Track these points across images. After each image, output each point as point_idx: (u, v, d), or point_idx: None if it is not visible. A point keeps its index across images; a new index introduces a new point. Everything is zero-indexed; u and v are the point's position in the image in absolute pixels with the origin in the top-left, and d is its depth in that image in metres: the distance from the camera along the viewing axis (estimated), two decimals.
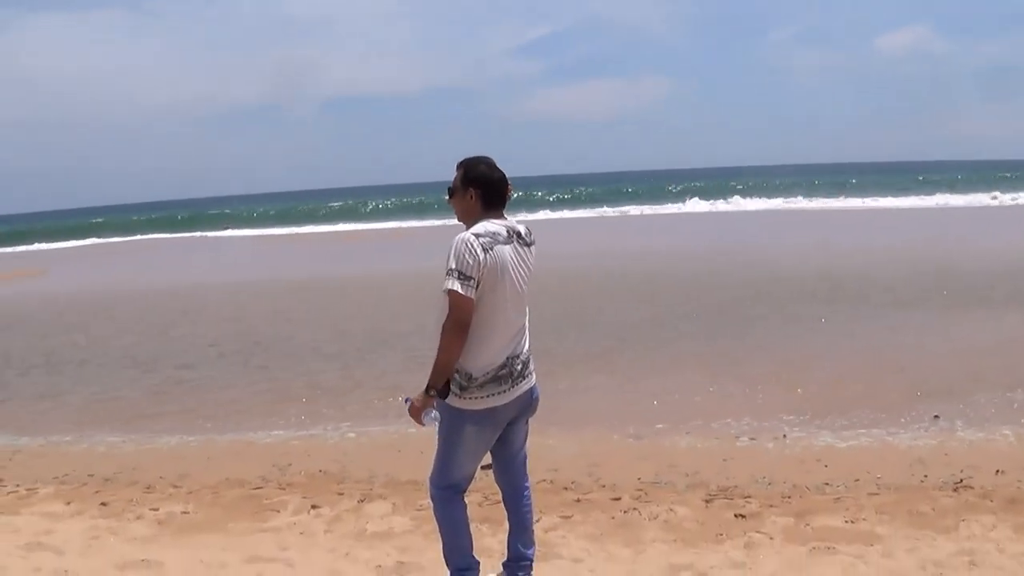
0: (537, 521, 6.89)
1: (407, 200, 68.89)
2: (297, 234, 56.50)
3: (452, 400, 5.08)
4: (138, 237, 61.75)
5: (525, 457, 5.61)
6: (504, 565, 5.66)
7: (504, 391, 5.12)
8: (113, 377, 13.98)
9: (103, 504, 8.03)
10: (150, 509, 7.80)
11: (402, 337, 15.43)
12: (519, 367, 5.16)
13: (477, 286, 4.91)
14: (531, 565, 5.62)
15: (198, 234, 61.46)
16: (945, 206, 50.10)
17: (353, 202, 71.71)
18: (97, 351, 16.26)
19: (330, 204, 73.65)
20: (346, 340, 15.82)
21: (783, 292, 18.23)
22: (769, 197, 61.63)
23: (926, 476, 7.95)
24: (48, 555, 6.75)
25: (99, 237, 64.08)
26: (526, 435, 5.55)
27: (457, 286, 4.86)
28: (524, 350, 5.21)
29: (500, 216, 5.15)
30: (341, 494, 7.97)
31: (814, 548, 6.35)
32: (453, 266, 4.86)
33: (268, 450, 9.65)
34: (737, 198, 61.48)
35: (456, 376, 5.03)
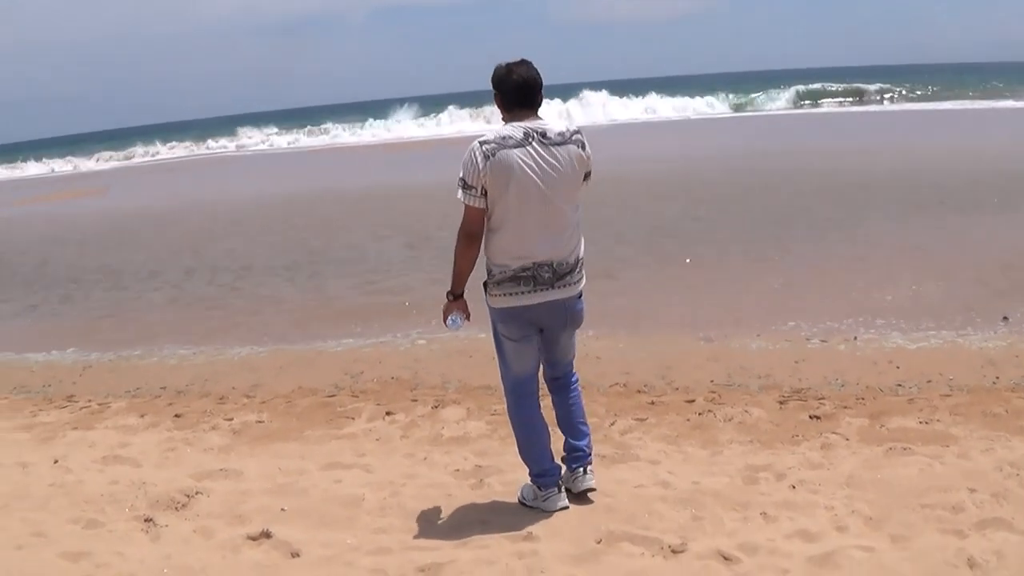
0: (612, 424, 7.10)
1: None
2: (359, 144, 55.26)
3: (486, 299, 5.39)
4: (202, 151, 60.62)
5: (569, 357, 5.77)
6: (563, 461, 5.84)
7: (523, 292, 5.25)
8: (179, 291, 14.24)
9: (177, 416, 8.24)
10: (224, 419, 8.01)
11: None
12: (546, 274, 5.25)
13: (483, 193, 5.11)
14: (586, 456, 5.81)
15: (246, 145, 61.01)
16: None
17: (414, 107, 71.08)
18: (162, 266, 16.43)
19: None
20: (414, 247, 15.92)
21: (858, 195, 17.95)
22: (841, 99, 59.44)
23: (998, 378, 8.00)
24: (124, 468, 6.92)
25: (163, 145, 63.31)
26: (569, 344, 5.71)
27: (460, 195, 5.15)
28: (558, 258, 5.27)
29: (530, 117, 5.25)
30: (415, 400, 8.17)
31: (890, 449, 6.44)
32: (460, 175, 5.12)
33: (339, 358, 9.81)
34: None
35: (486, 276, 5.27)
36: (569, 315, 5.49)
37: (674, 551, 5.05)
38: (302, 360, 9.87)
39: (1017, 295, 10.34)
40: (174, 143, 64.15)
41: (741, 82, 65.28)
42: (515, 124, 5.21)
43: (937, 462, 6.18)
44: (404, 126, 60.90)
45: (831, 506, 5.54)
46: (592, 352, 8.91)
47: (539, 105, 5.34)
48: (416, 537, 5.47)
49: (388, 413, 7.83)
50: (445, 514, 5.74)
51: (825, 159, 24.75)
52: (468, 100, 66.74)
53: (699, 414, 7.37)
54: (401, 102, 69.72)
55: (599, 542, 5.20)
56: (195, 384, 9.33)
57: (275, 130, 66.08)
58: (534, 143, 5.14)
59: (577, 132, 5.30)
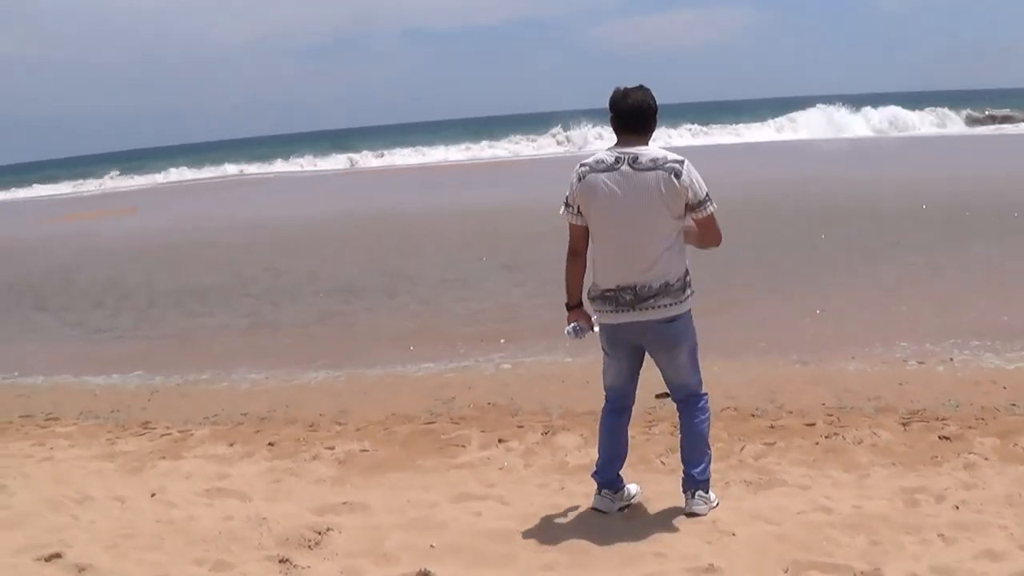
0: (742, 449, 7.11)
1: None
2: (391, 166, 55.52)
3: None
4: (226, 172, 60.26)
5: (682, 383, 5.83)
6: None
7: (609, 311, 5.53)
8: (236, 313, 14.03)
9: (270, 444, 8.04)
10: (325, 448, 7.82)
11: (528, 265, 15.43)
12: (628, 297, 5.46)
13: (579, 211, 5.45)
14: (695, 482, 5.86)
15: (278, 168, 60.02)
16: None
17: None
18: (213, 287, 16.18)
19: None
20: (471, 268, 15.88)
21: (934, 219, 17.87)
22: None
23: None
24: (233, 502, 6.62)
25: (191, 169, 62.26)
26: (672, 367, 5.78)
27: (562, 211, 5.57)
28: (641, 282, 5.43)
29: (637, 141, 5.45)
30: (521, 427, 8.05)
31: None
32: (566, 193, 5.49)
33: (424, 383, 9.68)
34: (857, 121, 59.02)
35: None
36: (657, 337, 5.61)
37: None
38: (384, 385, 9.73)
39: None
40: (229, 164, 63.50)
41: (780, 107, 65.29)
42: (614, 148, 5.47)
43: None
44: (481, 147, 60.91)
45: (1004, 525, 5.46)
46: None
47: (648, 130, 5.54)
48: (590, 571, 5.29)
49: (501, 440, 7.68)
50: (609, 547, 5.55)
51: (911, 184, 24.50)
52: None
53: (826, 437, 7.29)
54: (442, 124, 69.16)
55: (786, 571, 5.08)
56: (277, 410, 9.13)
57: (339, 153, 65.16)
58: (623, 167, 5.34)
59: (676, 162, 5.38)
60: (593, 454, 6.90)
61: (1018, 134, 47.80)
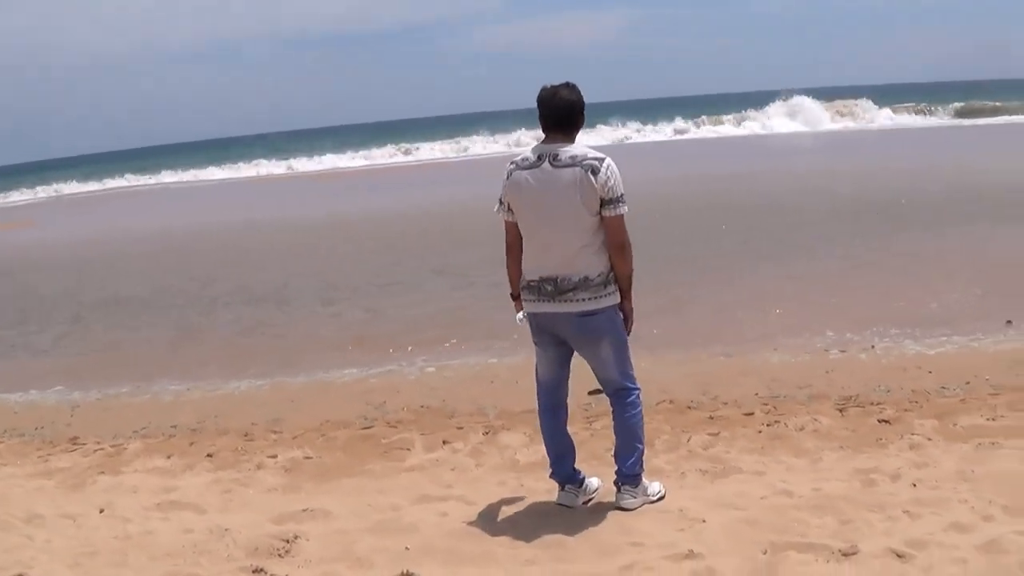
0: (689, 440, 7.21)
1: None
2: (284, 174, 55.44)
3: None
4: (110, 184, 59.13)
5: (607, 376, 5.92)
6: None
7: (532, 300, 5.70)
8: (146, 324, 13.79)
9: (209, 456, 7.92)
10: (267, 457, 7.73)
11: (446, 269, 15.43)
12: (549, 288, 5.60)
13: (509, 208, 5.64)
14: (621, 476, 5.99)
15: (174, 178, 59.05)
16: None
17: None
18: (119, 299, 15.94)
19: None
20: (375, 275, 15.83)
21: (847, 211, 18.61)
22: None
23: None
24: (189, 514, 6.52)
25: (78, 183, 60.51)
26: (596, 361, 5.86)
27: (496, 208, 5.76)
28: (560, 275, 5.57)
29: (563, 139, 5.56)
30: (461, 428, 8.08)
31: (979, 444, 6.61)
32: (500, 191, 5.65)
33: (350, 389, 9.64)
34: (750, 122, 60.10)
35: None
36: (577, 331, 5.71)
37: (845, 554, 5.05)
38: (310, 392, 9.67)
39: (1014, 298, 10.81)
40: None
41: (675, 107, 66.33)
42: (540, 145, 5.60)
43: None
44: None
45: (964, 499, 5.66)
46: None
47: (575, 129, 5.65)
48: (572, 564, 5.33)
49: (445, 442, 7.69)
50: (584, 540, 5.61)
51: (814, 178, 25.59)
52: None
53: (768, 425, 7.46)
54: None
55: (765, 553, 5.18)
56: (207, 421, 9.02)
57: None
58: (545, 165, 5.48)
59: (595, 159, 5.48)
60: (541, 451, 6.97)
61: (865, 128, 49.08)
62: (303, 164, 58.75)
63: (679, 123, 60.70)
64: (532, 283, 5.67)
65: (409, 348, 10.86)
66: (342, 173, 49.99)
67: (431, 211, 24.48)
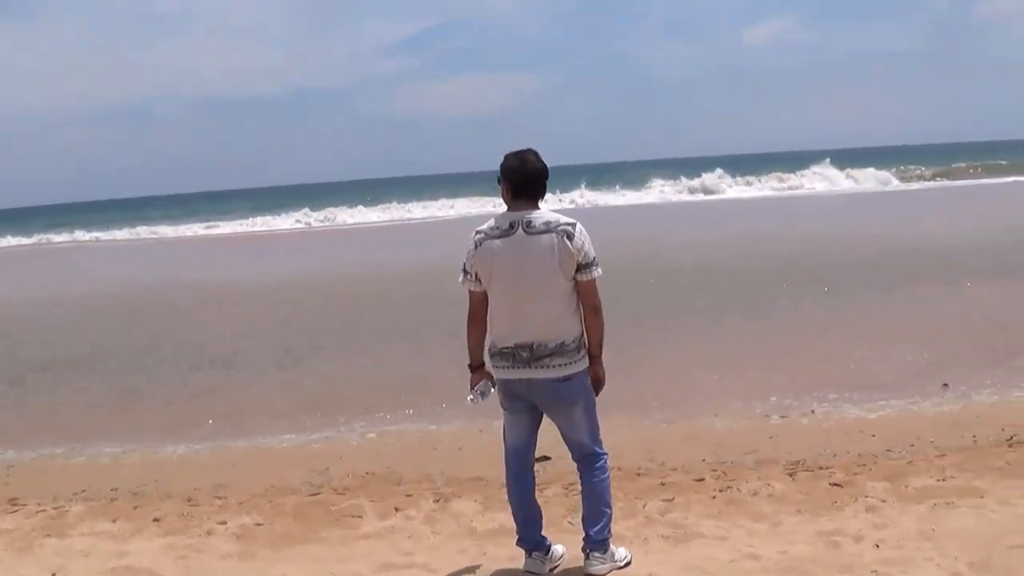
0: (644, 506, 7.28)
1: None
2: (197, 235, 54.37)
3: None
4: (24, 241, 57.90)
5: (578, 441, 5.97)
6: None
7: (506, 367, 5.68)
8: (82, 385, 13.39)
9: (156, 520, 7.73)
10: (216, 523, 7.57)
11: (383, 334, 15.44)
12: (524, 355, 5.62)
13: (476, 277, 5.65)
14: (592, 542, 5.92)
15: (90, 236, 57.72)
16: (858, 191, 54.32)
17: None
18: (54, 358, 15.37)
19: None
20: (318, 338, 15.64)
21: (777, 277, 18.79)
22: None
23: (975, 437, 8.49)
24: None
25: None
26: (569, 425, 5.93)
27: (460, 279, 5.74)
28: (536, 341, 5.61)
29: (530, 206, 5.64)
30: (410, 495, 7.99)
31: (935, 504, 6.76)
32: (463, 261, 5.69)
33: (291, 455, 9.53)
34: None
35: None
36: (553, 395, 5.74)
37: None
38: (251, 457, 9.54)
39: (950, 362, 11.09)
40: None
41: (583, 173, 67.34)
42: (508, 213, 5.64)
43: (987, 511, 6.56)
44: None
45: (929, 558, 5.77)
46: (559, 439, 8.90)
47: (542, 196, 5.73)
48: None
49: (397, 509, 7.61)
50: None
51: (755, 242, 25.76)
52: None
53: (720, 491, 7.49)
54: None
55: None
56: (148, 485, 8.81)
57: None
58: (518, 232, 5.53)
59: (568, 224, 5.57)
60: (497, 518, 7.02)
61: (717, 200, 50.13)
62: (232, 226, 58.30)
63: (586, 190, 61.40)
64: (506, 350, 5.66)
65: (349, 413, 10.80)
66: (271, 235, 49.69)
67: (355, 275, 24.39)
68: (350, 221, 56.21)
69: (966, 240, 22.70)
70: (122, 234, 57.60)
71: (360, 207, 61.46)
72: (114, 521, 7.79)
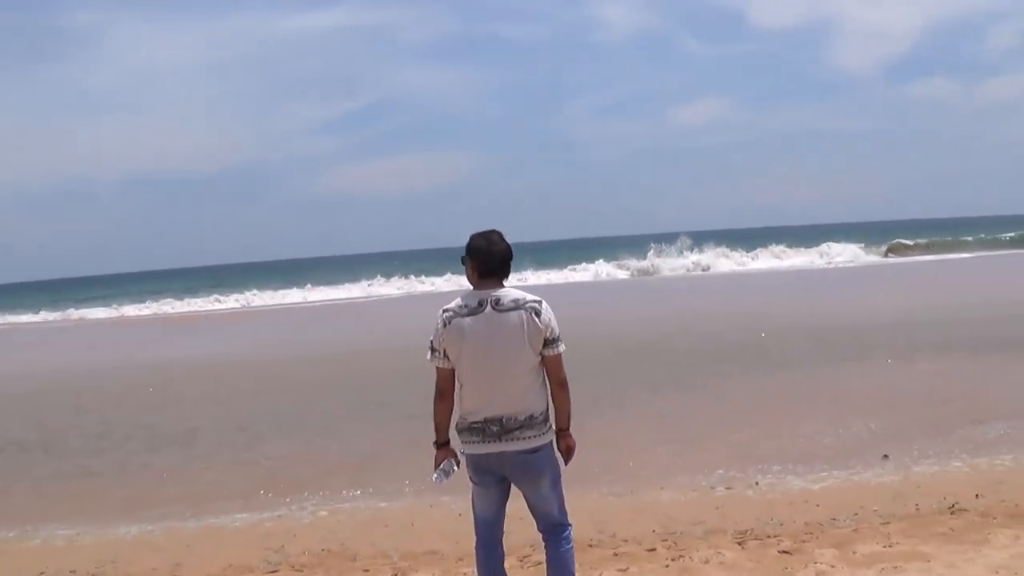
0: None
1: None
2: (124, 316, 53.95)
3: None
4: None
5: (546, 511, 6.13)
6: None
7: (476, 442, 5.79)
8: (31, 469, 13.23)
9: None
10: None
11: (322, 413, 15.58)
12: (494, 428, 5.76)
13: (445, 355, 5.78)
14: None
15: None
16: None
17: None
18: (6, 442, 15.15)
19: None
20: (263, 418, 15.77)
21: (711, 353, 19.35)
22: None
23: (917, 506, 8.76)
24: None
25: None
26: (537, 496, 6.07)
27: (428, 356, 5.84)
28: (506, 414, 5.77)
29: (496, 284, 5.84)
30: (367, 571, 8.11)
31: (883, 569, 7.02)
32: (430, 339, 5.83)
33: (245, 534, 9.53)
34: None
35: None
36: (522, 467, 5.89)
37: None
38: (204, 537, 9.52)
39: (888, 433, 11.48)
40: None
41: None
42: (476, 292, 5.82)
43: (934, 574, 6.85)
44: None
45: None
46: (513, 513, 9.03)
47: (505, 275, 5.93)
48: None
49: None
50: None
51: (701, 319, 26.43)
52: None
53: (673, 559, 7.69)
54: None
55: None
56: (105, 567, 8.77)
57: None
58: (487, 310, 5.71)
59: (535, 301, 5.80)
60: None
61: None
62: (165, 307, 57.57)
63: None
64: (476, 425, 5.80)
65: (300, 493, 10.86)
66: (209, 315, 49.47)
67: (303, 355, 24.46)
68: (288, 300, 56.08)
69: (908, 316, 23.58)
70: (53, 316, 57.19)
71: (309, 286, 61.16)
72: None
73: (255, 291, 60.83)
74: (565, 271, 62.93)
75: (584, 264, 64.44)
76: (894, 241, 68.96)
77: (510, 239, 5.95)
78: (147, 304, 59.36)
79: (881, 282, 39.00)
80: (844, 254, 62.35)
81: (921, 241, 69.87)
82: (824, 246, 64.54)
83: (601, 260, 64.29)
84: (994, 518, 8.10)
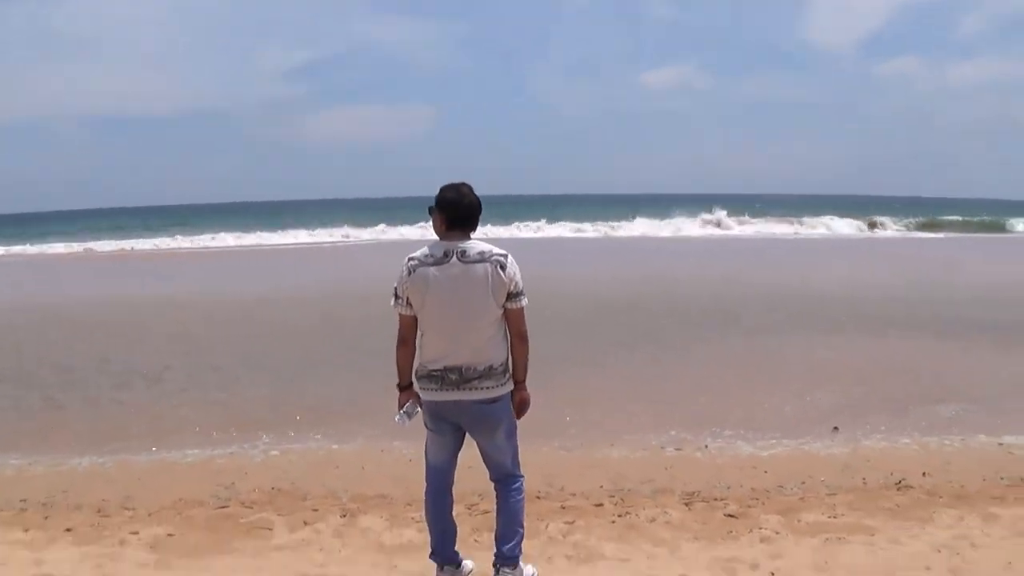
0: (547, 527, 7.53)
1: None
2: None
3: None
4: None
5: (500, 462, 6.26)
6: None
7: (434, 389, 5.90)
8: None
9: (68, 530, 7.77)
10: (129, 533, 7.64)
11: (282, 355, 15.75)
12: (453, 377, 5.88)
13: (408, 303, 5.87)
14: (503, 559, 6.20)
15: None
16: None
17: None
18: None
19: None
20: (215, 358, 15.83)
21: (675, 315, 19.56)
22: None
23: (864, 479, 8.90)
24: None
25: None
26: (492, 446, 6.19)
27: (392, 302, 5.94)
28: (465, 364, 5.88)
29: (463, 236, 5.91)
30: (316, 510, 8.17)
31: (827, 539, 7.15)
32: (394, 286, 5.93)
33: (196, 469, 9.60)
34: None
35: None
36: (478, 417, 6.01)
37: None
38: (156, 471, 9.57)
39: (842, 406, 11.63)
40: None
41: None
42: (442, 243, 5.89)
43: (876, 548, 6.98)
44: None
45: None
46: (463, 461, 9.12)
47: (473, 227, 6.00)
48: None
49: (306, 523, 7.79)
50: None
51: (664, 282, 26.45)
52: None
53: (620, 516, 7.81)
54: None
55: None
56: (56, 496, 8.80)
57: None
58: (453, 260, 5.79)
59: (501, 255, 5.88)
60: (405, 534, 7.28)
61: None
62: (135, 243, 57.28)
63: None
64: (435, 372, 5.89)
65: (252, 431, 10.93)
66: (176, 253, 49.76)
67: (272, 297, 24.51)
68: (258, 241, 55.98)
69: (886, 292, 23.80)
70: (23, 249, 56.03)
71: (279, 231, 61.39)
72: (26, 531, 7.81)
73: (222, 232, 60.51)
74: (531, 225, 62.90)
75: (543, 222, 64.40)
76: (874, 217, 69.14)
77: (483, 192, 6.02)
78: (111, 241, 59.01)
79: (859, 257, 39.28)
80: (834, 227, 62.60)
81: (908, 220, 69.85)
82: (827, 218, 64.72)
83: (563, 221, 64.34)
84: (940, 497, 8.22)
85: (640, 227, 61.64)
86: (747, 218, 66.10)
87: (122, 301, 24.83)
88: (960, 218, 71.42)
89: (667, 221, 63.79)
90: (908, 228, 65.84)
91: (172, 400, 12.76)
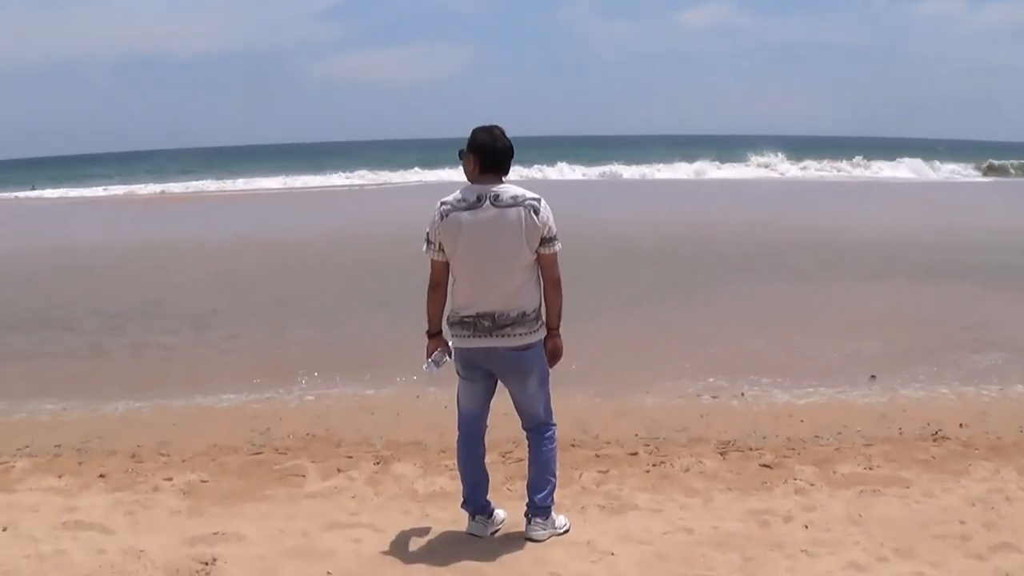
0: (581, 476, 7.51)
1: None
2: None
3: None
4: None
5: (532, 410, 6.28)
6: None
7: (466, 336, 5.90)
8: (15, 343, 13.29)
9: (102, 476, 7.83)
10: (163, 479, 7.69)
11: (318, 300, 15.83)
12: (486, 324, 5.88)
13: (440, 248, 5.86)
14: (535, 509, 6.27)
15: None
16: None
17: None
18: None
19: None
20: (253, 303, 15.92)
21: (710, 263, 19.24)
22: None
23: (901, 429, 8.86)
24: (97, 535, 6.49)
25: None
26: (524, 395, 6.21)
27: (424, 248, 5.95)
28: (499, 310, 5.88)
29: (495, 180, 5.89)
30: (351, 457, 8.20)
31: (861, 491, 7.12)
32: (426, 231, 5.90)
33: (232, 415, 9.67)
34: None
35: None
36: (511, 364, 6.02)
37: None
38: (193, 417, 9.65)
39: (880, 354, 11.52)
40: None
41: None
42: (475, 186, 5.86)
43: (910, 500, 6.94)
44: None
45: (856, 541, 6.13)
46: (497, 408, 9.11)
47: (505, 171, 5.97)
48: None
49: (340, 470, 7.81)
50: (502, 568, 5.89)
51: (704, 227, 25.98)
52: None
53: (654, 465, 7.81)
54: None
55: None
56: (91, 442, 8.87)
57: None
58: (486, 204, 5.76)
59: (534, 199, 5.85)
60: (437, 482, 7.29)
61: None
62: (166, 186, 57.58)
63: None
64: (467, 319, 5.88)
65: (288, 377, 10.97)
66: (215, 195, 49.87)
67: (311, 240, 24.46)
68: (300, 184, 55.85)
69: (911, 236, 23.37)
70: (70, 192, 56.22)
71: (316, 173, 61.68)
72: (60, 477, 7.86)
73: (257, 177, 60.56)
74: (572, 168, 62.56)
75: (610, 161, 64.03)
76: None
77: (509, 134, 5.99)
78: (149, 184, 59.05)
79: (906, 201, 38.80)
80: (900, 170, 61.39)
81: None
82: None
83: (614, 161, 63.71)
84: (976, 449, 8.16)
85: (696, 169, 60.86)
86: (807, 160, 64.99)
87: (166, 244, 24.85)
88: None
89: (730, 165, 62.95)
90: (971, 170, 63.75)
91: (218, 346, 12.80)
